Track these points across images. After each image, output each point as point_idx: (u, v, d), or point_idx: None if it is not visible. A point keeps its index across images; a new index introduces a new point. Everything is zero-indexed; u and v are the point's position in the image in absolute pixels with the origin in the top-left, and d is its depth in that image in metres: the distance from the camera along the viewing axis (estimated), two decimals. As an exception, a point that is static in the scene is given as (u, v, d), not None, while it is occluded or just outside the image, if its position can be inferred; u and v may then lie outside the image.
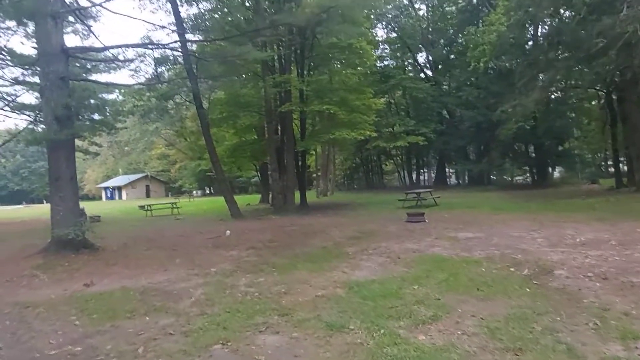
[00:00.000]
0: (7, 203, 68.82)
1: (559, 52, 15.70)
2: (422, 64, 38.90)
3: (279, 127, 19.94)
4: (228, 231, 12.15)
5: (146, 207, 22.93)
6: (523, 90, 16.01)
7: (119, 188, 62.01)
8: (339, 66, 20.89)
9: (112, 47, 10.48)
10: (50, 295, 6.24)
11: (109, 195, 63.19)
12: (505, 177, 33.85)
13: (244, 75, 19.61)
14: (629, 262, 5.79)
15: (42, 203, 64.69)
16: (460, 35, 35.85)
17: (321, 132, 19.04)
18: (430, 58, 37.95)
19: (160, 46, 12.90)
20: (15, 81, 20.88)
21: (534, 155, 30.50)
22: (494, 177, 34.51)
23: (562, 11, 16.06)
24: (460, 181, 43.13)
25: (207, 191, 59.34)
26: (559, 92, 25.06)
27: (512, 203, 17.18)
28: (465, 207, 16.37)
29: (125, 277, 7.26)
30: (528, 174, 34.42)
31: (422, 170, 46.06)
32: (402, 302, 4.64)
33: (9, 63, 20.98)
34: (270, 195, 24.60)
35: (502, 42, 19.19)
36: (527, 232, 9.29)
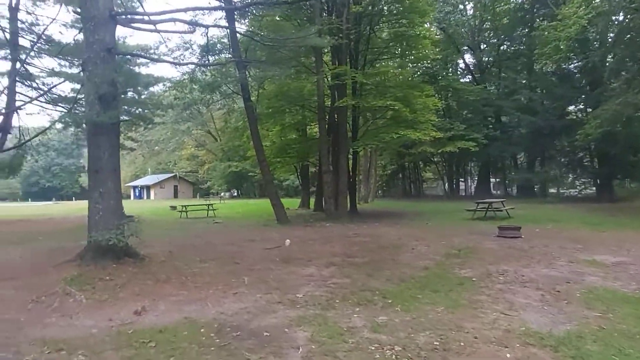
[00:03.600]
0: (38, 199, 69.37)
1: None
2: (469, 65, 36.66)
3: (328, 126, 18.13)
4: (288, 240, 10.33)
5: (181, 208, 21.40)
6: (623, 88, 13.67)
7: (148, 187, 61.23)
8: (396, 60, 18.95)
9: (162, 21, 8.78)
10: (90, 329, 4.48)
11: (137, 194, 62.45)
12: (562, 188, 31.05)
13: (292, 68, 17.91)
14: None
15: (72, 200, 64.91)
16: (510, 35, 33.53)
17: (381, 132, 17.04)
18: (474, 60, 35.72)
19: (210, 20, 11.18)
20: (52, 72, 19.77)
21: (597, 165, 27.70)
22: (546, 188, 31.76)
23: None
24: (500, 192, 40.51)
25: (235, 193, 57.91)
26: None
27: (602, 218, 14.81)
28: (548, 220, 14.13)
29: (185, 301, 5.47)
30: (586, 186, 31.54)
31: (461, 179, 43.55)
32: None
33: (46, 54, 19.97)
34: (313, 200, 22.85)
35: (583, 36, 16.91)
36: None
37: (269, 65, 15.64)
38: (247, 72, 15.90)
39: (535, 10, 30.19)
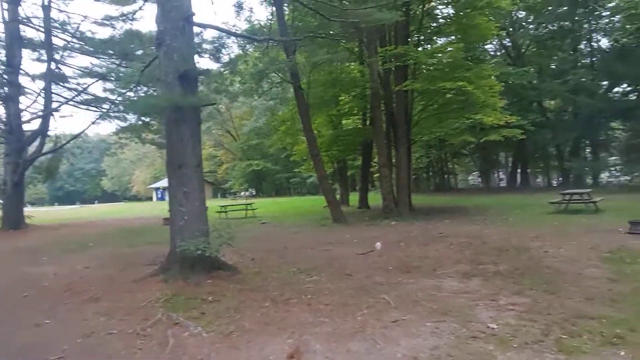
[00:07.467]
0: (62, 203, 68.94)
1: None
2: (508, 46, 34.96)
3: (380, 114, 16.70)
4: (378, 244, 8.92)
5: (219, 208, 20.03)
6: None
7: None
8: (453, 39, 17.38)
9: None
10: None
11: (159, 196, 61.30)
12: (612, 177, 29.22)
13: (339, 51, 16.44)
14: None
15: (94, 203, 64.55)
16: (546, 15, 31.66)
17: (450, 117, 15.45)
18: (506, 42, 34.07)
19: None
20: (86, 71, 18.56)
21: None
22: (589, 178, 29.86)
23: None
24: (537, 182, 38.84)
25: (254, 192, 56.62)
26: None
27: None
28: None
29: (340, 335, 4.06)
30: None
31: (492, 171, 41.95)
32: None
33: (79, 52, 18.73)
34: (357, 197, 21.49)
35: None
36: None
37: (318, 47, 14.30)
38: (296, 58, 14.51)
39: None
